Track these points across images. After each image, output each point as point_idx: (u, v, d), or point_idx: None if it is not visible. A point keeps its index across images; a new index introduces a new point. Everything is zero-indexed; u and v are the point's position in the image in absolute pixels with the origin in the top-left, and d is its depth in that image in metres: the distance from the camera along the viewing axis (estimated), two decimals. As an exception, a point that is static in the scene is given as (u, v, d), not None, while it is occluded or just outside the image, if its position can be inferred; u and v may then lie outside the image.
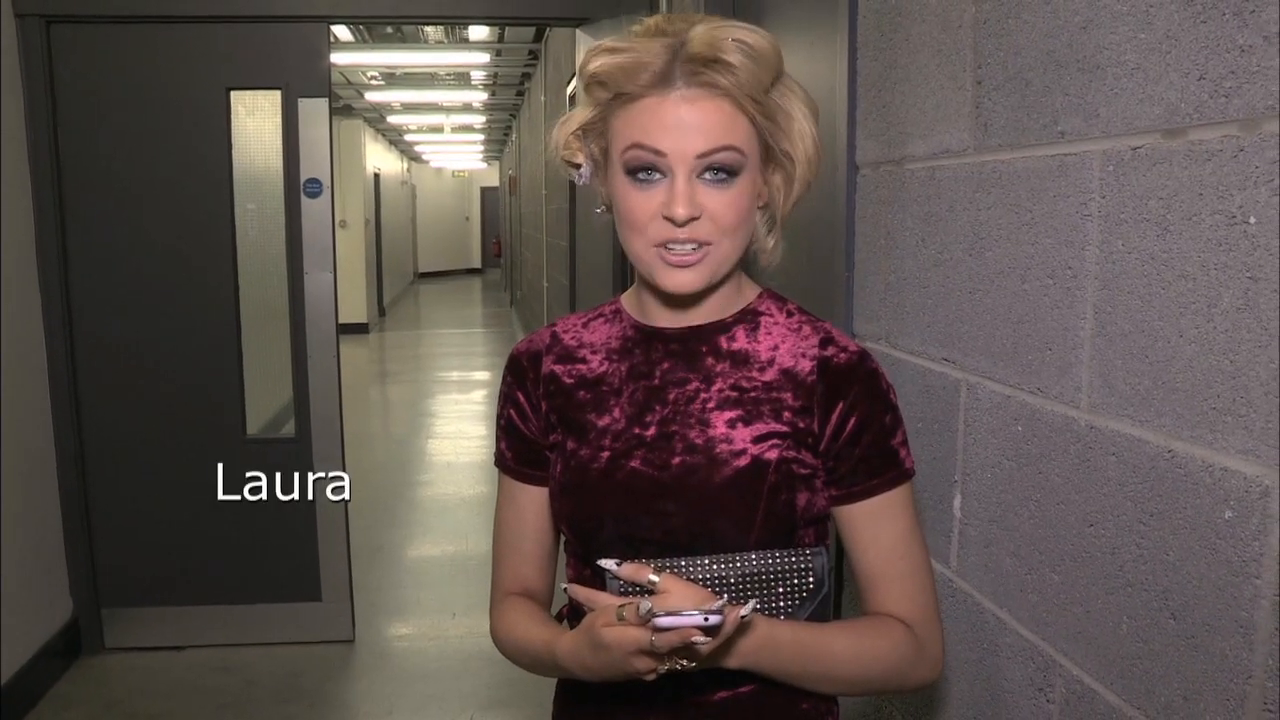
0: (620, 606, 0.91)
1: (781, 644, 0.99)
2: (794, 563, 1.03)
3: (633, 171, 1.00)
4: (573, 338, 1.15)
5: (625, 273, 3.57)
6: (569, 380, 1.12)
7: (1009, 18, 1.12)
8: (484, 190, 25.49)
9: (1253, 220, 0.78)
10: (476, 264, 26.01)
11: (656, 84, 0.97)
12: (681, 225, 0.98)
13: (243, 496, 3.60)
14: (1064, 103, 1.02)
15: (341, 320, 3.68)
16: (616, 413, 1.09)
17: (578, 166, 1.08)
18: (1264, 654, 0.78)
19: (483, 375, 10.10)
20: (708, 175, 0.98)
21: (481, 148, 19.97)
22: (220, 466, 3.57)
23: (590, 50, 1.01)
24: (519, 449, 1.15)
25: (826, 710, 1.12)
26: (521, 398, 1.15)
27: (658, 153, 0.98)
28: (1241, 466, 0.80)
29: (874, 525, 1.06)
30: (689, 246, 1.00)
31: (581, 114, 1.05)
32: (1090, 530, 1.00)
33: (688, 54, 0.96)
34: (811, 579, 1.03)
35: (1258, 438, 0.78)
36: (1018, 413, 1.13)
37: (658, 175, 0.99)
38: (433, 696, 3.34)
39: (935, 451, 1.34)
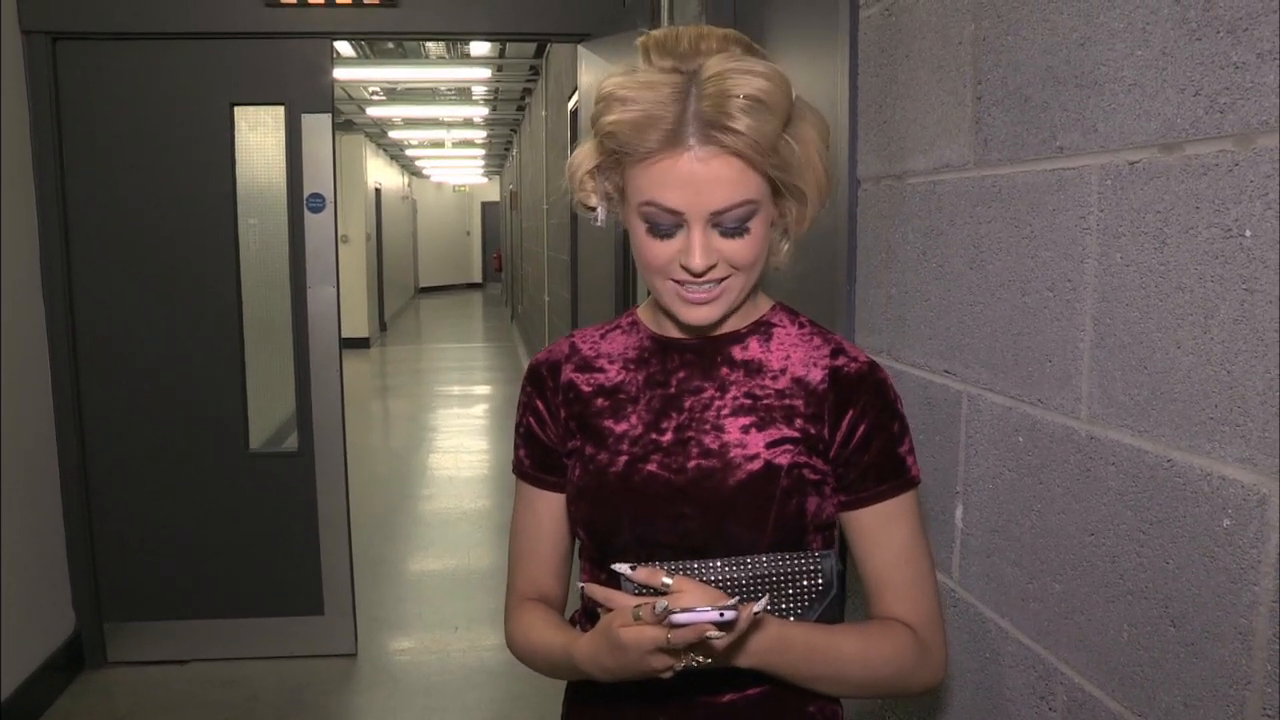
0: (636, 607, 0.93)
1: (792, 643, 1.00)
2: (804, 565, 1.05)
3: (649, 224, 1.01)
4: (591, 348, 1.18)
5: (628, 287, 3.58)
6: (587, 389, 1.15)
7: (1008, 34, 1.14)
8: (485, 205, 25.54)
9: (1248, 233, 0.80)
10: (477, 278, 26.06)
11: (668, 143, 0.97)
12: (699, 275, 1.01)
13: (245, 510, 3.61)
14: (1062, 118, 1.04)
15: (343, 335, 3.69)
16: (634, 419, 1.11)
17: (593, 209, 1.10)
18: (1263, 660, 0.79)
19: (483, 389, 10.11)
20: (722, 226, 1.00)
21: (482, 163, 20.02)
22: (223, 481, 3.59)
23: (601, 95, 1.00)
24: (537, 456, 1.18)
25: (832, 714, 1.13)
26: (541, 405, 1.17)
27: (673, 212, 0.99)
28: (1239, 475, 0.81)
29: (880, 531, 1.08)
30: (706, 285, 1.02)
31: (590, 157, 1.06)
32: (1091, 539, 1.01)
33: (698, 112, 0.95)
34: (821, 581, 1.05)
35: (1255, 446, 0.79)
36: (1019, 424, 1.15)
37: (674, 229, 1.01)
38: (435, 710, 3.33)
39: (937, 463, 1.35)
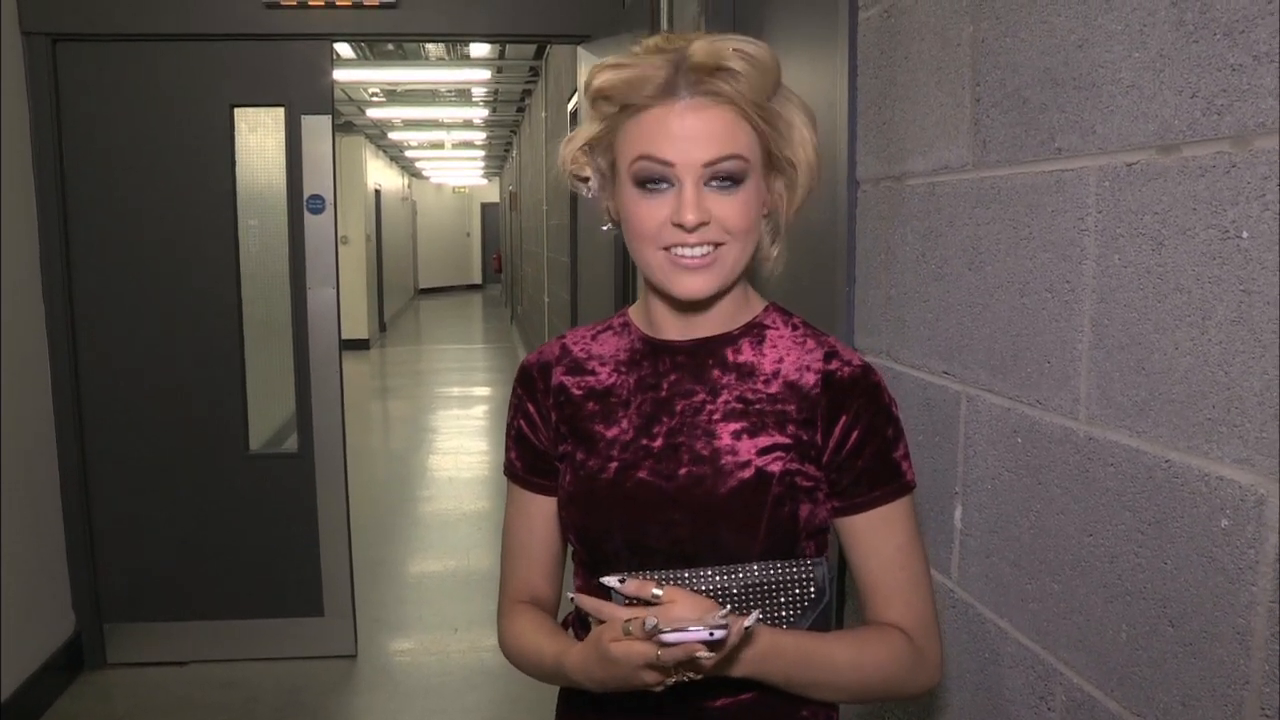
0: (627, 621, 0.92)
1: (784, 652, 1.00)
2: (796, 573, 1.05)
3: (641, 182, 1.02)
4: (582, 350, 1.17)
5: (627, 287, 3.59)
6: (578, 392, 1.14)
7: (1006, 36, 1.14)
8: (484, 206, 25.54)
9: (1245, 235, 0.80)
10: (477, 279, 26.06)
11: (661, 95, 1.00)
12: (691, 231, 1.01)
13: (245, 511, 3.62)
14: (1061, 120, 1.04)
15: (343, 336, 3.69)
16: (625, 424, 1.11)
17: (585, 180, 1.11)
18: (1261, 660, 0.79)
19: (483, 390, 10.11)
20: (714, 183, 1.01)
21: (482, 164, 20.02)
22: (223, 482, 3.59)
23: (595, 67, 1.04)
24: (529, 459, 1.17)
25: (826, 718, 1.13)
26: (532, 408, 1.17)
27: (665, 163, 1.00)
28: (1237, 475, 0.81)
29: (875, 536, 1.07)
30: (699, 250, 1.02)
31: (588, 130, 1.08)
32: (1089, 539, 1.02)
33: (690, 64, 0.99)
34: (813, 589, 1.05)
35: (1252, 447, 0.80)
36: (1017, 424, 1.15)
37: (666, 185, 1.01)
38: (434, 712, 3.33)
39: (936, 463, 1.35)
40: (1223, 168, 0.82)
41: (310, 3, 3.40)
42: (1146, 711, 0.93)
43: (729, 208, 1.02)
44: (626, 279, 3.58)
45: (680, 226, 1.01)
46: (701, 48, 0.99)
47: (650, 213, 1.02)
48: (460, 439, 7.79)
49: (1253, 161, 0.79)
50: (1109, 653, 0.99)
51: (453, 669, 3.65)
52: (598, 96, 1.04)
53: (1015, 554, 1.16)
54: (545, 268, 8.89)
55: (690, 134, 0.99)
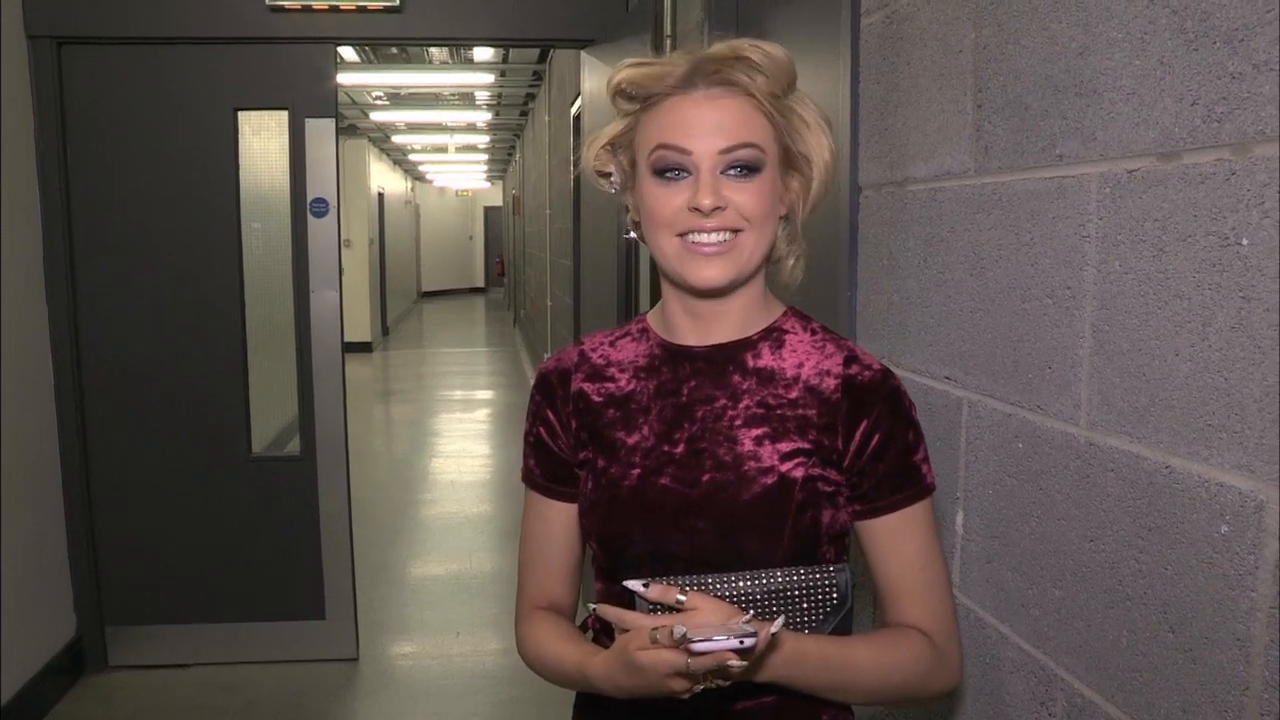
0: (654, 629, 0.92)
1: (808, 658, 1.00)
2: (819, 579, 1.04)
3: (660, 171, 1.04)
4: (601, 356, 1.17)
5: (630, 291, 3.58)
6: (598, 398, 1.14)
7: (1008, 43, 1.15)
8: (487, 209, 25.55)
9: (1245, 242, 0.80)
10: (480, 283, 26.06)
11: (680, 85, 1.04)
12: (708, 215, 1.02)
13: (247, 514, 3.62)
14: (1062, 126, 1.04)
15: (346, 339, 3.69)
16: (645, 430, 1.11)
17: (608, 175, 1.13)
18: (1260, 666, 0.80)
19: (486, 394, 10.12)
20: (731, 171, 1.03)
21: (485, 167, 20.04)
22: (225, 484, 3.59)
23: (618, 65, 1.07)
24: (548, 466, 1.17)
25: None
26: (551, 415, 1.17)
27: (683, 151, 1.02)
28: (1237, 481, 0.82)
29: (896, 539, 1.08)
30: (716, 236, 1.03)
31: (610, 129, 1.11)
32: (1090, 545, 1.02)
33: (708, 56, 1.03)
34: (835, 595, 1.05)
35: (1252, 453, 0.80)
36: (1018, 430, 1.15)
37: (683, 174, 1.04)
38: (436, 715, 3.33)
39: (938, 469, 1.35)
40: (1223, 175, 0.82)
41: (314, 6, 3.41)
42: (1147, 717, 0.93)
43: (745, 195, 1.03)
44: (630, 283, 3.58)
45: (697, 211, 1.02)
46: (719, 45, 1.03)
47: (668, 200, 1.04)
48: (463, 442, 7.79)
49: (1252, 169, 0.79)
50: (1110, 658, 0.99)
51: (454, 672, 3.65)
52: (618, 92, 1.07)
53: (1016, 559, 1.17)
54: (548, 271, 8.90)
55: (707, 122, 1.02)
